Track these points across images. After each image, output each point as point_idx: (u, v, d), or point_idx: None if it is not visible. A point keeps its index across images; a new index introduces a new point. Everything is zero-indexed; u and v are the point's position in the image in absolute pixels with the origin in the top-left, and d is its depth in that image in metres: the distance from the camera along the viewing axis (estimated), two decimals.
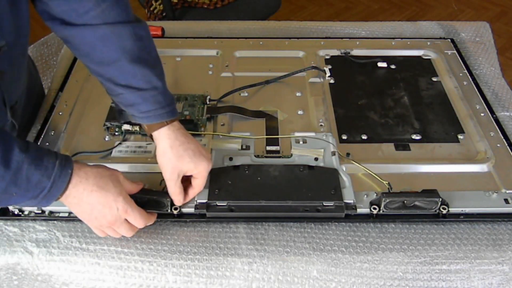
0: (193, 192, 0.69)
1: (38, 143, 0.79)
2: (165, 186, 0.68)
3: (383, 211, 0.68)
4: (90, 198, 0.61)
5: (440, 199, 0.67)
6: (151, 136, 0.68)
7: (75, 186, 0.60)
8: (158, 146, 0.67)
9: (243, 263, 0.65)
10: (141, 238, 0.67)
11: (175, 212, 0.68)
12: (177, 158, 0.65)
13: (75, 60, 0.97)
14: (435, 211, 0.68)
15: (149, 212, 0.67)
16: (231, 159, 0.75)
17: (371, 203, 0.69)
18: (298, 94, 0.90)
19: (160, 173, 0.68)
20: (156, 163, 0.75)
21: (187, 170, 0.67)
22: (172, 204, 0.68)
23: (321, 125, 0.83)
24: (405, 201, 0.67)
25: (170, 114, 0.66)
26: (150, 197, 0.67)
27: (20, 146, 0.56)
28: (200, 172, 0.67)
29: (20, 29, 0.64)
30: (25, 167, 0.56)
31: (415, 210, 0.68)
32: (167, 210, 0.68)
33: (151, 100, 0.65)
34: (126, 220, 0.64)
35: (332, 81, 0.93)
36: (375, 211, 0.68)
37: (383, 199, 0.67)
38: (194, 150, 0.66)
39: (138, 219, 0.64)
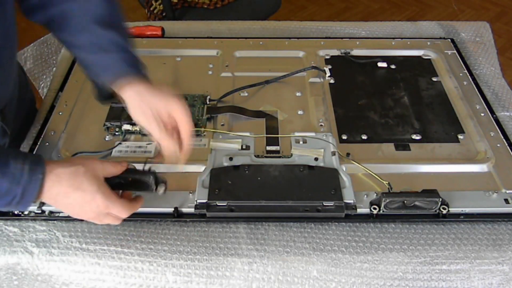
0: (185, 137, 0.66)
1: (38, 143, 0.79)
2: (150, 167, 0.66)
3: (383, 211, 0.68)
4: (67, 200, 0.59)
5: (440, 199, 0.67)
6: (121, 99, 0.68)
7: (49, 189, 0.58)
8: (129, 100, 0.66)
9: (243, 263, 0.65)
10: (141, 238, 0.67)
11: (160, 191, 0.65)
12: (148, 99, 0.66)
13: (75, 60, 0.97)
14: (435, 211, 0.68)
15: (135, 197, 0.65)
16: (231, 159, 0.75)
17: (371, 203, 0.69)
18: (298, 94, 0.90)
19: (160, 172, 0.68)
20: (156, 163, 0.75)
21: (160, 107, 0.65)
22: (157, 182, 0.65)
23: (321, 125, 0.83)
24: (405, 201, 0.67)
25: (138, 72, 0.68)
26: (133, 177, 0.65)
27: None
28: (176, 109, 0.65)
29: (7, 32, 0.64)
30: None
31: (415, 210, 0.68)
32: (152, 190, 0.65)
33: (121, 61, 0.67)
34: (110, 213, 0.62)
35: (332, 81, 0.93)
36: (375, 211, 0.68)
37: (383, 199, 0.67)
38: (162, 91, 0.67)
39: (121, 211, 0.62)
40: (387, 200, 0.67)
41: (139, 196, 0.66)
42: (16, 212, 0.69)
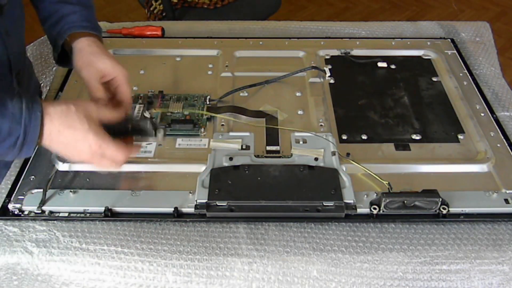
0: (126, 99, 0.70)
1: None
2: (148, 114, 0.68)
3: (383, 211, 0.68)
4: (60, 138, 0.59)
5: (440, 199, 0.67)
6: (71, 50, 0.73)
7: (44, 128, 0.58)
8: (79, 51, 0.71)
9: (243, 263, 0.65)
10: (141, 238, 0.67)
11: (159, 135, 0.66)
12: (95, 56, 0.70)
13: None
14: (435, 211, 0.68)
15: (134, 144, 0.65)
16: (231, 159, 0.75)
17: (371, 203, 0.69)
18: (298, 94, 0.90)
19: (161, 172, 0.68)
20: (157, 163, 0.75)
21: (104, 67, 0.69)
22: (155, 127, 0.65)
23: (321, 125, 0.83)
24: (405, 201, 0.67)
25: (94, 28, 0.74)
26: (132, 123, 0.65)
27: None
28: (119, 74, 0.70)
29: None
30: None
31: (415, 210, 0.68)
32: (151, 135, 0.65)
33: (79, 14, 0.74)
34: (105, 154, 0.62)
35: (332, 81, 0.93)
36: (375, 211, 0.68)
37: (383, 199, 0.67)
38: (110, 56, 0.72)
39: (115, 152, 0.62)
40: (387, 200, 0.67)
41: (137, 144, 0.66)
42: (16, 212, 0.69)
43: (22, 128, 0.56)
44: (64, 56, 0.77)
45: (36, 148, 0.78)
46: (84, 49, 0.71)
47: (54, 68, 0.99)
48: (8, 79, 0.71)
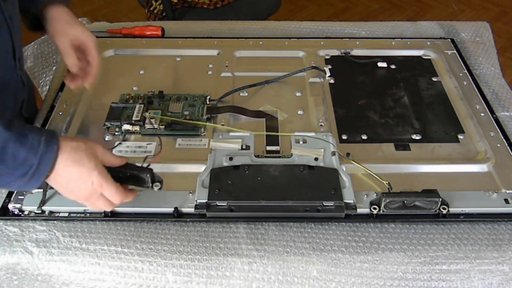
0: (94, 64, 0.78)
1: None
2: (149, 163, 0.67)
3: (383, 211, 0.68)
4: (65, 173, 0.60)
5: (440, 199, 0.67)
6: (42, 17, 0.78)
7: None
8: (52, 20, 0.77)
9: (243, 263, 0.65)
10: (141, 238, 0.67)
11: (155, 188, 0.67)
12: (68, 23, 0.77)
13: None
14: (435, 211, 0.68)
15: (130, 189, 0.66)
16: (231, 159, 0.75)
17: (371, 203, 0.69)
18: (298, 94, 0.90)
19: (161, 172, 0.68)
20: (157, 162, 0.75)
21: (75, 34, 0.77)
22: (153, 180, 0.66)
23: (321, 125, 0.83)
24: (405, 201, 0.67)
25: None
26: (132, 172, 0.66)
27: (3, 124, 0.56)
28: (87, 40, 0.77)
29: None
30: (11, 145, 0.56)
31: (415, 210, 0.68)
32: (148, 186, 0.66)
33: None
34: (103, 195, 0.63)
35: (332, 81, 0.93)
36: (375, 211, 0.68)
37: (383, 199, 0.67)
38: (81, 24, 0.79)
39: (114, 194, 0.63)
40: (387, 200, 0.67)
41: (133, 190, 0.67)
42: (16, 212, 0.69)
43: (38, 159, 0.57)
44: (34, 24, 0.82)
45: None
46: (57, 17, 0.78)
47: (54, 67, 0.99)
48: (11, 64, 0.75)
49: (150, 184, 0.66)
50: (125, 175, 0.66)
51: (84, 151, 0.61)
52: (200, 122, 0.82)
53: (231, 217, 0.69)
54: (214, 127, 0.82)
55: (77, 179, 0.60)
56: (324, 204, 0.68)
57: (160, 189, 0.67)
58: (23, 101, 0.83)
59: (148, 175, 0.65)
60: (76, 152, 0.60)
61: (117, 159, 0.65)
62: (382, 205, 0.67)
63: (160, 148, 0.75)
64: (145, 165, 0.68)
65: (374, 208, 0.68)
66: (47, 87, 0.94)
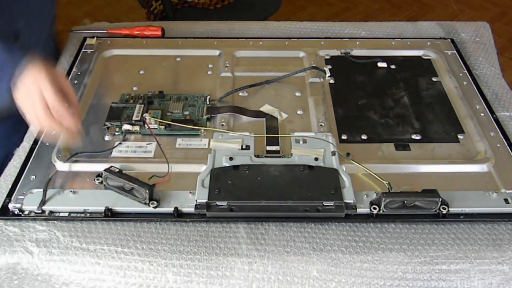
0: (72, 106, 0.71)
1: (38, 143, 0.79)
2: (153, 183, 0.69)
3: (383, 211, 0.68)
4: (25, 80, 0.68)
5: (440, 199, 0.67)
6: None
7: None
8: (17, 91, 0.70)
9: (243, 263, 0.65)
10: (141, 238, 0.67)
11: (151, 206, 0.68)
12: (37, 84, 0.69)
13: (75, 60, 0.97)
14: (435, 211, 0.68)
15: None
16: (231, 159, 0.75)
17: (371, 203, 0.69)
18: (298, 94, 0.90)
19: (162, 173, 0.68)
20: (157, 163, 0.75)
21: (45, 86, 0.69)
22: (151, 198, 0.68)
23: (321, 125, 0.83)
24: (405, 201, 0.67)
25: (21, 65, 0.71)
26: (132, 184, 0.68)
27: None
28: (66, 85, 0.72)
29: None
30: None
31: (415, 210, 0.68)
32: (144, 203, 0.68)
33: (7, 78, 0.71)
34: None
35: (332, 81, 0.93)
36: (375, 211, 0.68)
37: (383, 199, 0.67)
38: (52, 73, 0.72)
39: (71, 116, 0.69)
40: (387, 200, 0.67)
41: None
42: (16, 212, 0.69)
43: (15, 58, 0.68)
44: None
45: (37, 148, 0.78)
46: (22, 88, 0.72)
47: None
48: None
49: (148, 201, 0.68)
50: (127, 188, 0.69)
51: (47, 70, 0.68)
52: (199, 127, 0.82)
53: (231, 217, 0.69)
54: (212, 130, 0.81)
55: (35, 90, 0.67)
56: (324, 204, 0.68)
57: (155, 207, 0.68)
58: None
59: (147, 191, 0.67)
60: (41, 71, 0.68)
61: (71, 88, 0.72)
62: (382, 205, 0.67)
63: (168, 171, 0.74)
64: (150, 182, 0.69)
65: (374, 208, 0.68)
66: None
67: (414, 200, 0.67)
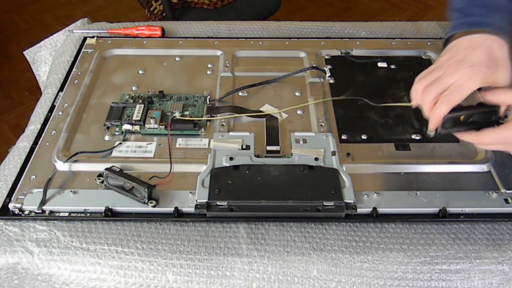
0: None
1: (38, 143, 0.79)
2: (154, 185, 0.69)
3: (441, 132, 0.63)
4: None
5: (499, 107, 0.62)
6: None
7: None
8: None
9: (243, 263, 0.65)
10: (141, 238, 0.67)
11: (150, 205, 0.68)
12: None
13: (75, 60, 0.97)
14: (494, 123, 0.62)
15: None
16: (231, 159, 0.75)
17: (428, 127, 0.63)
18: (298, 94, 0.90)
19: (162, 173, 0.68)
20: (157, 163, 0.75)
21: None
22: (150, 197, 0.68)
23: (321, 125, 0.83)
24: (464, 116, 0.62)
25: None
26: (132, 183, 0.68)
27: None
28: None
29: None
30: None
31: (474, 126, 0.63)
32: (143, 202, 0.68)
33: None
34: None
35: (332, 81, 0.93)
36: (432, 133, 0.63)
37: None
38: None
39: None
40: (445, 117, 0.61)
41: None
42: (16, 212, 0.69)
43: None
44: None
45: (37, 148, 0.78)
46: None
47: (55, 67, 0.99)
48: None
49: (146, 200, 0.68)
50: (127, 187, 0.69)
51: None
52: (200, 118, 0.82)
53: (231, 217, 0.69)
54: (213, 130, 0.81)
55: None
56: (324, 204, 0.68)
57: (154, 206, 0.69)
58: None
59: (146, 190, 0.67)
60: None
61: None
62: (440, 125, 0.62)
63: (170, 171, 0.74)
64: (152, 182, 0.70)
65: (431, 131, 0.63)
66: (47, 86, 0.94)
67: (472, 114, 0.62)
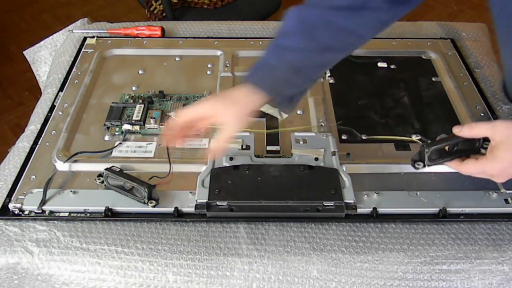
0: None
1: (39, 143, 0.79)
2: (154, 185, 0.69)
3: (428, 165, 0.65)
4: None
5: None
6: None
7: None
8: None
9: (243, 263, 0.65)
10: (141, 238, 0.67)
11: (150, 205, 0.68)
12: None
13: (75, 60, 0.97)
14: (478, 148, 0.64)
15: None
16: (231, 159, 0.75)
17: (413, 160, 0.65)
18: None
19: (162, 173, 0.68)
20: (157, 163, 0.75)
21: None
22: (150, 197, 0.68)
23: (321, 125, 0.83)
24: (448, 147, 0.64)
25: None
26: (132, 183, 0.68)
27: None
28: None
29: None
30: None
31: (460, 154, 0.65)
32: (143, 202, 0.68)
33: None
34: None
35: (332, 81, 0.93)
36: (420, 167, 0.65)
37: (426, 150, 0.63)
38: None
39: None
40: (430, 150, 0.63)
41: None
42: (16, 212, 0.69)
43: None
44: None
45: (37, 148, 0.78)
46: None
47: (55, 67, 0.99)
48: None
49: (146, 200, 0.68)
50: (127, 187, 0.69)
51: None
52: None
53: (231, 217, 0.69)
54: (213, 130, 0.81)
55: None
56: (324, 204, 0.68)
57: (154, 206, 0.69)
58: None
59: (146, 190, 0.67)
60: None
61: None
62: (426, 158, 0.64)
63: (169, 171, 0.75)
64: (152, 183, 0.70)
65: (418, 165, 0.65)
66: (47, 86, 0.94)
67: (456, 142, 0.64)
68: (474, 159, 0.63)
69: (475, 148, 0.64)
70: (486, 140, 0.63)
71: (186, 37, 1.04)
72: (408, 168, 0.76)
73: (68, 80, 0.92)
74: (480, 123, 0.63)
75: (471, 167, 0.63)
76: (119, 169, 0.71)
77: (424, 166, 0.65)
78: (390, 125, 0.84)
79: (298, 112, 0.86)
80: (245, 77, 0.67)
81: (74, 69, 0.95)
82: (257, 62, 0.68)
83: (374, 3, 0.64)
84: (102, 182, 0.71)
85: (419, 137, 0.81)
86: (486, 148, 0.63)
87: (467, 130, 0.63)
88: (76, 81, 0.92)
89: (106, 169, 0.70)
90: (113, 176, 0.70)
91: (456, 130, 0.63)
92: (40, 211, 0.69)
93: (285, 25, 0.65)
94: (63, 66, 0.97)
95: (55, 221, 0.69)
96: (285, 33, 0.65)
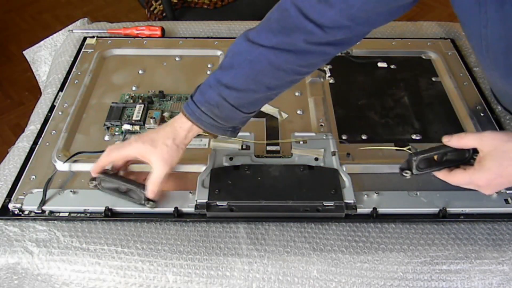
0: None
1: (38, 143, 0.79)
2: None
3: (416, 173, 0.65)
4: None
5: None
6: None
7: None
8: None
9: (243, 263, 0.65)
10: (141, 238, 0.67)
11: (147, 206, 0.68)
12: None
13: (75, 60, 0.97)
14: (468, 159, 0.64)
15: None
16: (231, 159, 0.75)
17: (401, 169, 0.66)
18: (297, 94, 0.90)
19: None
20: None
21: None
22: (147, 198, 0.68)
23: (321, 125, 0.83)
24: (436, 156, 0.64)
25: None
26: (129, 186, 0.68)
27: None
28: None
29: None
30: None
31: (449, 164, 0.65)
32: (141, 203, 0.68)
33: None
34: None
35: (332, 81, 0.93)
36: (407, 175, 0.65)
37: (413, 158, 0.63)
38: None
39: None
40: (418, 158, 0.63)
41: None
42: (16, 212, 0.69)
43: None
44: None
45: (37, 148, 0.78)
46: None
47: (55, 67, 0.99)
48: None
49: (144, 201, 0.68)
50: (123, 189, 0.69)
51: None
52: None
53: (231, 217, 0.69)
54: None
55: None
56: (324, 204, 0.68)
57: (152, 207, 0.69)
58: None
59: (142, 191, 0.67)
60: None
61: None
62: (414, 167, 0.64)
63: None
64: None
65: (406, 173, 0.65)
66: (47, 87, 0.94)
67: (445, 152, 0.64)
68: (462, 169, 0.63)
69: (465, 158, 0.65)
70: (476, 151, 0.63)
71: (186, 37, 1.04)
72: None
73: (68, 80, 0.92)
74: (469, 134, 0.64)
75: (459, 177, 0.63)
76: (111, 171, 0.70)
77: (412, 174, 0.65)
78: (390, 125, 0.84)
79: (298, 112, 0.86)
80: (184, 108, 0.67)
81: (74, 69, 0.95)
82: (196, 93, 0.66)
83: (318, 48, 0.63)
84: (96, 186, 0.71)
85: (419, 137, 0.81)
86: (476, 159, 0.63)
87: (456, 140, 0.63)
88: (76, 81, 0.92)
89: (99, 173, 0.69)
90: (107, 179, 0.69)
91: (446, 140, 0.63)
92: (40, 211, 0.69)
93: (226, 59, 0.64)
94: (63, 66, 0.97)
95: (55, 221, 0.69)
96: (226, 68, 0.64)
